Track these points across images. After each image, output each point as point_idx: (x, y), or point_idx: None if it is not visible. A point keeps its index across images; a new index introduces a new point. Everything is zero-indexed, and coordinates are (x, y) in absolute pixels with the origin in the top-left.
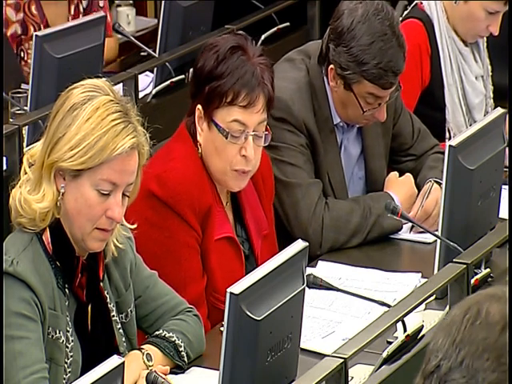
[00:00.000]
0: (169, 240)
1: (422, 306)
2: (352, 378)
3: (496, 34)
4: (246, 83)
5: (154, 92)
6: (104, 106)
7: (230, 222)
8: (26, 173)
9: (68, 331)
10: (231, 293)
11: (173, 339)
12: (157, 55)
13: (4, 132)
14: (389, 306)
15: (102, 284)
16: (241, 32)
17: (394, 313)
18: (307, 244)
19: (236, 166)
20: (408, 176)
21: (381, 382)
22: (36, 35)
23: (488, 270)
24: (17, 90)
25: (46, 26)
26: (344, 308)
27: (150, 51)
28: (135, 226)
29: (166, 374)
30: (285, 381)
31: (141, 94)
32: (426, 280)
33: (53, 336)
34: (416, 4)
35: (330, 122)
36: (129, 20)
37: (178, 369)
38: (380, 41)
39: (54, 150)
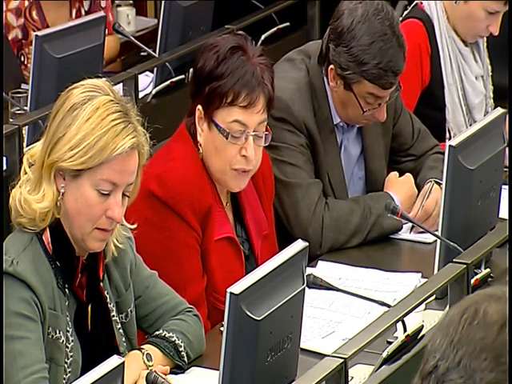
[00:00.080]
0: (169, 240)
1: (422, 306)
2: (352, 378)
3: (496, 34)
4: (247, 83)
5: (154, 92)
6: (104, 105)
7: (230, 222)
8: (25, 173)
9: (68, 331)
10: (231, 293)
11: (173, 339)
12: (157, 55)
13: (4, 132)
14: (389, 306)
15: (102, 284)
16: (241, 32)
17: (393, 313)
18: (307, 244)
19: (236, 165)
20: (408, 176)
21: (381, 382)
22: (36, 35)
23: (488, 269)
24: (17, 90)
25: None
26: (344, 308)
27: (150, 51)
28: (135, 226)
29: (166, 374)
30: (285, 381)
31: (141, 94)
32: (426, 280)
33: (53, 336)
34: (416, 4)
35: (329, 122)
36: (129, 20)
37: (178, 369)
38: (380, 41)
39: (54, 150)
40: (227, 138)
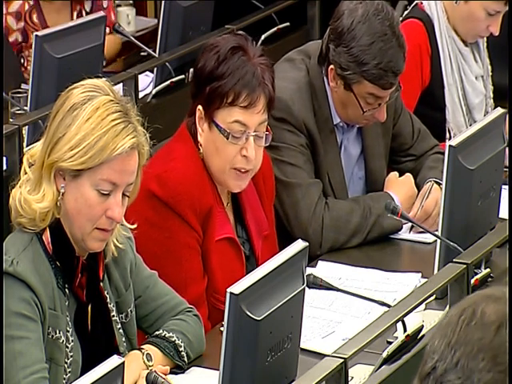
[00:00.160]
0: (169, 240)
1: (422, 306)
2: (352, 378)
3: (496, 34)
4: (247, 84)
5: (154, 92)
6: (104, 105)
7: (230, 223)
8: (25, 173)
9: (68, 331)
10: (231, 293)
11: (173, 339)
12: (157, 55)
13: (4, 132)
14: (389, 305)
15: (102, 284)
16: (241, 32)
17: (393, 313)
18: (307, 244)
19: (236, 164)
20: (408, 176)
21: (381, 382)
22: (36, 35)
23: (488, 270)
24: (17, 90)
25: None
26: (344, 308)
27: (150, 51)
28: (135, 226)
29: (166, 374)
30: (285, 381)
31: (141, 94)
32: (426, 280)
33: (53, 336)
34: (416, 4)
35: (329, 122)
36: (129, 20)
37: (178, 369)
38: (380, 41)
39: (54, 150)
40: (228, 139)
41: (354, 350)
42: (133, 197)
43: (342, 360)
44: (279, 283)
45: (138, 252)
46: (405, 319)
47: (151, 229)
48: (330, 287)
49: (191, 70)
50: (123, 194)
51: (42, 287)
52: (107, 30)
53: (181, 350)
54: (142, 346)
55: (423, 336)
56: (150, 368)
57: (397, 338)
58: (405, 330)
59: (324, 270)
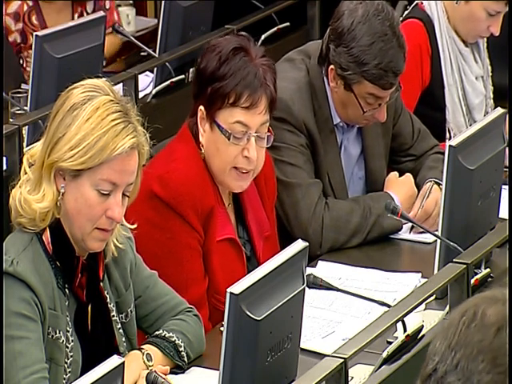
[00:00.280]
0: (171, 241)
1: (422, 306)
2: (352, 378)
3: (497, 34)
4: (249, 84)
5: (154, 92)
6: (104, 105)
7: (231, 224)
8: (25, 173)
9: (68, 331)
10: (231, 293)
11: (173, 339)
12: (157, 55)
13: (4, 132)
14: (389, 306)
15: (102, 284)
16: (243, 33)
17: (393, 313)
18: (307, 244)
19: (237, 164)
20: (408, 176)
21: (381, 382)
22: (36, 35)
23: (488, 269)
24: (17, 90)
25: None
26: (344, 308)
27: (150, 51)
28: (135, 226)
29: (166, 374)
30: (285, 381)
31: (141, 94)
32: (426, 280)
33: (53, 336)
34: (416, 4)
35: (329, 122)
36: (129, 20)
37: (178, 369)
38: (380, 41)
39: (54, 150)
40: (229, 139)
41: (353, 350)
42: (133, 197)
43: (342, 360)
44: (279, 283)
45: (139, 252)
46: (405, 319)
47: (153, 229)
48: (330, 287)
49: (191, 69)
50: (123, 194)
51: (42, 287)
52: (109, 30)
53: (181, 350)
54: (142, 346)
55: (423, 336)
56: (150, 368)
57: (397, 337)
58: (405, 330)
59: (324, 269)
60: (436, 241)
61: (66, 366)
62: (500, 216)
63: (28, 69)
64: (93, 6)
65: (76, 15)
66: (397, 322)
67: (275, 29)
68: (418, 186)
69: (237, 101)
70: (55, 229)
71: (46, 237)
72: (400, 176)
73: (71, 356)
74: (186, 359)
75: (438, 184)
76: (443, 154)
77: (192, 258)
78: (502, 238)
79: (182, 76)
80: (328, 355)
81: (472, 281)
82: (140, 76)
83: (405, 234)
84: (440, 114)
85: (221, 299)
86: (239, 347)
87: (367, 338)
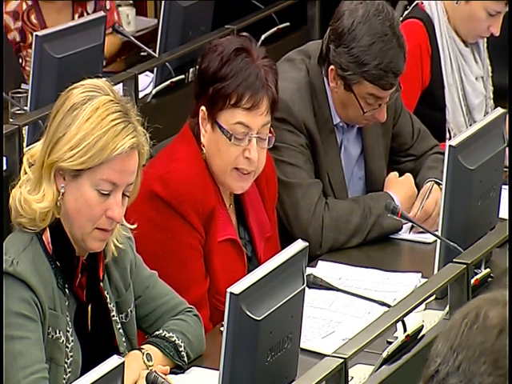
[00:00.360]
0: (172, 241)
1: (422, 306)
2: (352, 378)
3: (497, 34)
4: (250, 85)
5: (154, 92)
6: (104, 105)
7: (233, 224)
8: (25, 173)
9: (68, 331)
10: (231, 293)
11: (173, 339)
12: (157, 55)
13: (4, 132)
14: (389, 306)
15: (102, 284)
16: (245, 34)
17: (393, 313)
18: (307, 244)
19: (238, 165)
20: (408, 176)
21: (381, 382)
22: (36, 35)
23: (488, 269)
24: (17, 90)
25: None
26: (344, 308)
27: (150, 51)
28: (135, 225)
29: (166, 374)
30: (285, 381)
31: (141, 94)
32: (426, 280)
33: (53, 336)
34: (417, 4)
35: (329, 122)
36: (129, 20)
37: (178, 369)
38: (380, 41)
39: (54, 149)
40: (230, 140)
41: (354, 350)
42: (133, 197)
43: (342, 360)
44: (279, 283)
45: (140, 252)
46: (405, 319)
47: (154, 229)
48: (330, 287)
49: (191, 69)
50: (123, 194)
51: (42, 287)
52: (109, 30)
53: (181, 349)
54: (142, 346)
55: (423, 336)
56: (150, 368)
57: (397, 337)
58: (405, 330)
59: (324, 269)
60: (436, 241)
61: (66, 365)
62: (500, 216)
63: (27, 68)
64: (93, 6)
65: (76, 15)
66: (397, 321)
67: (275, 29)
68: (418, 186)
69: (238, 102)
70: (55, 229)
71: (46, 237)
72: (400, 176)
73: (71, 356)
74: (185, 359)
75: (438, 184)
76: (443, 154)
77: (193, 258)
78: (502, 238)
79: (182, 76)
80: (328, 355)
81: (472, 281)
82: (140, 76)
83: (405, 234)
84: (440, 114)
85: (221, 300)
86: (239, 347)
87: (367, 338)
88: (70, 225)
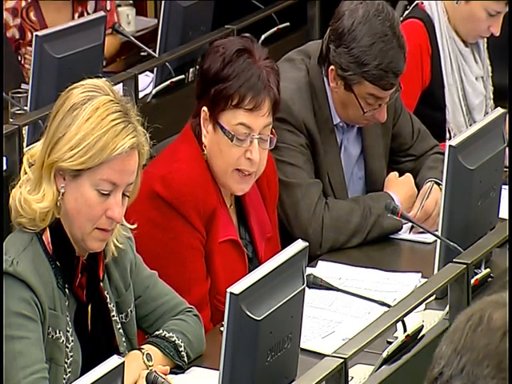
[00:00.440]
0: (173, 241)
1: (422, 306)
2: (352, 378)
3: (497, 34)
4: (252, 86)
5: (154, 92)
6: (104, 105)
7: (233, 225)
8: (25, 173)
9: (68, 331)
10: (231, 293)
11: (173, 339)
12: (157, 55)
13: (4, 132)
14: (389, 306)
15: (102, 284)
16: (247, 34)
17: (393, 313)
18: (307, 244)
19: (240, 166)
20: (408, 176)
21: (381, 382)
22: (36, 35)
23: (488, 269)
24: (17, 90)
25: None
26: (344, 308)
27: (150, 51)
28: (135, 225)
29: (166, 374)
30: (285, 381)
31: (141, 94)
32: (426, 280)
33: (53, 336)
34: (417, 4)
35: (329, 123)
36: (129, 20)
37: (178, 369)
38: (381, 42)
39: (54, 150)
40: (232, 141)
41: (354, 350)
42: (133, 197)
43: (342, 360)
44: (279, 283)
45: (140, 252)
46: (405, 319)
47: (155, 229)
48: (330, 287)
49: (191, 69)
50: (123, 194)
51: (42, 287)
52: (109, 31)
53: (181, 349)
54: (142, 346)
55: (423, 336)
56: (150, 368)
57: (397, 337)
58: (405, 330)
59: (324, 269)
60: (436, 241)
61: (66, 365)
62: (500, 216)
63: (26, 66)
64: (94, 6)
65: (76, 15)
66: (397, 321)
67: (275, 29)
68: (418, 186)
69: (240, 102)
70: (55, 229)
71: (46, 237)
72: (400, 176)
73: (71, 356)
74: (185, 359)
75: (438, 184)
76: (443, 154)
77: (194, 258)
78: (502, 238)
79: (182, 76)
80: (328, 355)
81: (472, 281)
82: (140, 76)
83: (405, 234)
84: (440, 114)
85: (222, 300)
86: (239, 347)
87: (367, 338)
88: (69, 225)
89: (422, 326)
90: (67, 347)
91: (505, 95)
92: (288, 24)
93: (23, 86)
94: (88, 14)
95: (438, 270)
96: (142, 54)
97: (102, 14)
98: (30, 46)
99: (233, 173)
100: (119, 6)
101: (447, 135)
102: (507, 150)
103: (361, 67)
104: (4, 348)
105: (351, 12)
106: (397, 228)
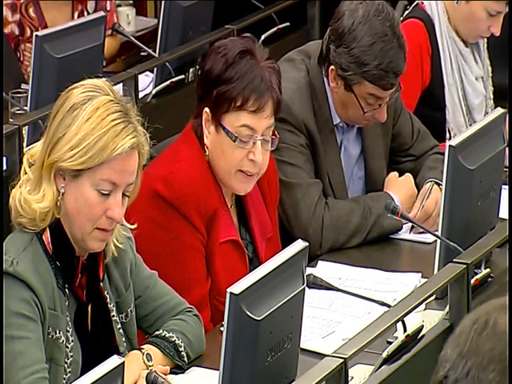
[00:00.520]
0: (174, 241)
1: (422, 306)
2: (352, 378)
3: (497, 34)
4: (256, 88)
5: (154, 92)
6: (104, 105)
7: (234, 225)
8: (25, 173)
9: (68, 331)
10: (231, 293)
11: (173, 339)
12: (157, 55)
13: (4, 132)
14: (389, 306)
15: (102, 284)
16: (248, 34)
17: (393, 313)
18: (307, 244)
19: (243, 167)
20: (408, 176)
21: (381, 382)
22: (36, 35)
23: (488, 269)
24: (17, 90)
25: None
26: (344, 308)
27: (150, 51)
28: (135, 225)
29: (166, 374)
30: (285, 381)
31: (141, 94)
32: (426, 280)
33: (53, 336)
34: (417, 4)
35: (329, 123)
36: (129, 20)
37: (178, 369)
38: (381, 41)
39: (54, 150)
40: (235, 142)
41: (354, 350)
42: (133, 197)
43: (342, 360)
44: (279, 283)
45: (141, 252)
46: (405, 319)
47: (156, 229)
48: (330, 287)
49: (191, 69)
50: (123, 194)
51: (42, 287)
52: (109, 32)
53: (181, 349)
54: (142, 346)
55: (423, 336)
56: (150, 368)
57: (397, 337)
58: (405, 330)
59: (324, 269)
60: (436, 241)
61: (66, 365)
62: (500, 216)
63: (25, 63)
64: (94, 5)
65: (76, 13)
66: (397, 321)
67: (275, 29)
68: (418, 186)
69: (243, 105)
70: (55, 229)
71: (46, 237)
72: (400, 176)
73: (71, 356)
74: (186, 359)
75: (438, 184)
76: (443, 154)
77: (195, 258)
78: (502, 238)
79: (182, 76)
80: (328, 355)
81: (472, 281)
82: (140, 76)
83: (405, 234)
84: (440, 114)
85: (223, 301)
86: (239, 347)
87: (367, 338)
88: (70, 225)
89: (422, 325)
90: (67, 347)
91: (505, 95)
92: (288, 24)
93: (23, 85)
94: (88, 13)
95: (438, 269)
96: (142, 54)
97: (102, 14)
98: (29, 42)
99: (236, 174)
100: (119, 5)
101: (447, 135)
102: (507, 149)
103: (361, 67)
104: (4, 348)
105: (351, 12)
106: (397, 228)
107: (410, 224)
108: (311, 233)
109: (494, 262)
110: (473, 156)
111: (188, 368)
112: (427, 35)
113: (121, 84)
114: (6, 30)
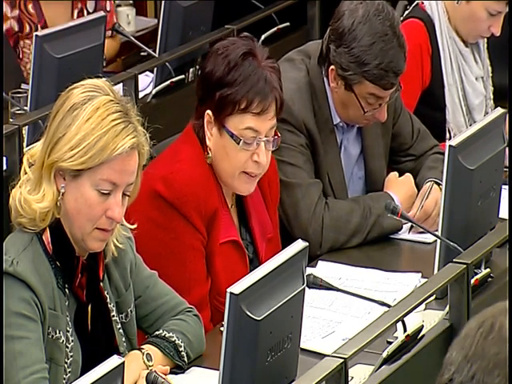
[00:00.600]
0: (174, 241)
1: (422, 306)
2: (352, 378)
3: (498, 34)
4: (260, 91)
5: (154, 92)
6: (104, 106)
7: (235, 226)
8: (25, 173)
9: (68, 331)
10: (231, 293)
11: (173, 339)
12: (157, 55)
13: (4, 132)
14: (389, 306)
15: (102, 284)
16: (247, 34)
17: (393, 313)
18: (307, 244)
19: (247, 169)
20: (408, 176)
21: (381, 382)
22: (36, 35)
23: (488, 269)
24: (17, 90)
25: (44, 26)
26: (344, 308)
27: (150, 51)
28: (135, 225)
29: (166, 374)
30: (285, 381)
31: (141, 94)
32: (426, 280)
33: (53, 336)
34: (417, 4)
35: (329, 123)
36: (129, 20)
37: (178, 369)
38: (381, 41)
39: (54, 150)
40: (239, 145)
41: (354, 350)
42: (133, 197)
43: (342, 360)
44: (279, 283)
45: (141, 252)
46: (405, 319)
47: (156, 229)
48: (330, 287)
49: (191, 69)
50: (123, 194)
51: (42, 287)
52: (109, 33)
53: (181, 349)
54: (142, 346)
55: (423, 336)
56: (150, 368)
57: (397, 337)
58: (405, 330)
59: (324, 269)
60: (436, 241)
61: (66, 365)
62: (500, 216)
63: (24, 59)
64: (94, 5)
65: (76, 11)
66: (397, 321)
67: (275, 29)
68: (418, 186)
69: (248, 107)
70: (55, 229)
71: (46, 237)
72: (400, 176)
73: (71, 356)
74: (185, 359)
75: (438, 184)
76: (443, 154)
77: (195, 259)
78: (502, 238)
79: (182, 76)
80: (328, 355)
81: (472, 281)
82: (140, 76)
83: (405, 234)
84: (440, 114)
85: (223, 301)
86: (239, 347)
87: (367, 338)
88: (70, 225)
89: (422, 326)
90: (67, 347)
91: (505, 95)
92: (288, 24)
93: (23, 85)
94: (88, 12)
95: (438, 270)
96: (142, 53)
97: (102, 13)
98: (28, 39)
99: (240, 175)
100: (119, 5)
101: (447, 135)
102: (507, 149)
103: (361, 67)
104: (4, 348)
105: (351, 12)
106: (397, 228)
107: (409, 224)
108: (311, 233)
109: (494, 261)
110: (473, 156)
111: (188, 368)
112: (427, 35)
113: (121, 84)
114: (6, 26)
